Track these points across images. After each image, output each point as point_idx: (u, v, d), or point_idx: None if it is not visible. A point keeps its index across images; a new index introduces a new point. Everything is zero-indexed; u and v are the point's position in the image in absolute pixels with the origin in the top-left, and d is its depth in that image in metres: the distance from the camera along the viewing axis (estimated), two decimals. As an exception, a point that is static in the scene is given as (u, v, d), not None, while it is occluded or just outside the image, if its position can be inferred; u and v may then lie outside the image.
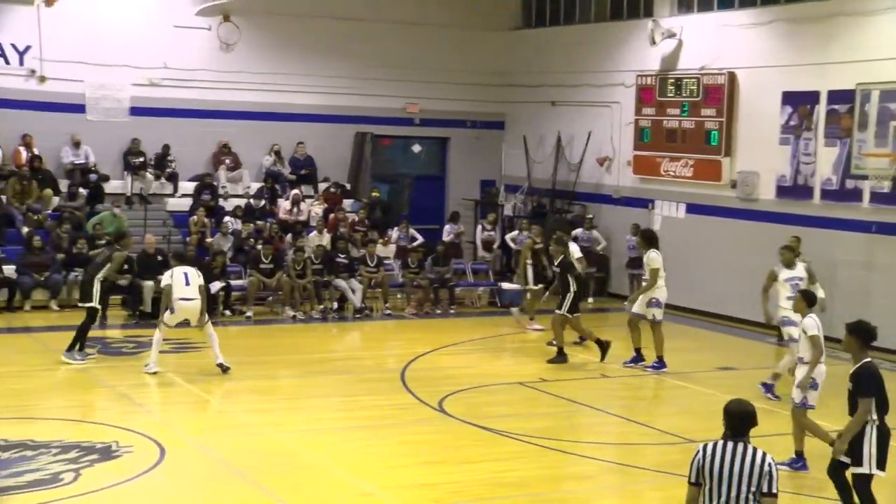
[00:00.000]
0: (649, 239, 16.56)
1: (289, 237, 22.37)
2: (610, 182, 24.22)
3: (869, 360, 9.07)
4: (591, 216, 23.60)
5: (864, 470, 8.98)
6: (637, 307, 16.35)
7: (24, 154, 22.20)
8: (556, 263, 17.00)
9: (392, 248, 22.83)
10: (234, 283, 20.44)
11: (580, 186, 24.64)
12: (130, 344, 17.54)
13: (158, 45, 23.56)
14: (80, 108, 23.11)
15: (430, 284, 21.53)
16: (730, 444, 6.76)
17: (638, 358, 16.43)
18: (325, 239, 21.99)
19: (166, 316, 15.49)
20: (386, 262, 22.04)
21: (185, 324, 15.75)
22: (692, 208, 22.18)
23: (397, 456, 11.99)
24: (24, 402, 13.85)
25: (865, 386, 8.93)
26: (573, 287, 16.56)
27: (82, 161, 22.82)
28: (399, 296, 21.92)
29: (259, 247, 20.90)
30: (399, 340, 18.67)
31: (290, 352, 17.53)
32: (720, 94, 21.27)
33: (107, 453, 11.46)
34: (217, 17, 24.22)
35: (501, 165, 26.72)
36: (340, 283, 20.73)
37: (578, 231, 23.11)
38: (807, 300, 11.64)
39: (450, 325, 20.22)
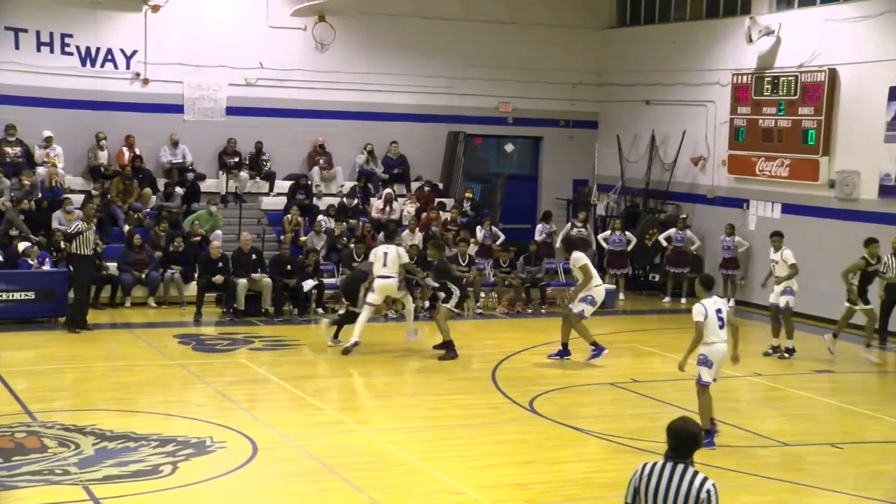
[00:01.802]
0: (568, 245, 17.57)
1: (381, 236, 22.47)
2: (704, 182, 23.90)
3: None
4: (685, 216, 23.31)
5: None
6: (574, 306, 16.60)
7: (126, 154, 22.70)
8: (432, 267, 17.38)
9: (476, 247, 22.80)
10: (327, 281, 20.60)
11: (674, 186, 24.36)
12: (224, 341, 17.79)
13: (254, 46, 23.90)
14: (178, 109, 23.57)
15: (522, 284, 21.45)
16: (669, 466, 6.33)
17: (564, 352, 16.76)
18: (418, 238, 22.05)
19: (369, 296, 16.52)
20: (477, 261, 22.01)
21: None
22: (788, 208, 21.78)
23: (488, 455, 11.96)
24: (126, 396, 14.13)
25: None
26: (456, 292, 16.86)
27: (180, 160, 23.24)
28: (491, 295, 21.89)
29: (352, 246, 21.04)
30: (490, 340, 18.64)
31: (382, 350, 17.60)
32: (819, 91, 20.84)
33: (202, 448, 11.63)
34: (312, 17, 24.46)
35: (594, 165, 26.53)
36: (431, 282, 20.70)
37: (672, 231, 22.87)
38: (703, 284, 12.30)
39: (541, 325, 20.12)
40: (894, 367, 17.66)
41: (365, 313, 16.83)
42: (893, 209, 19.57)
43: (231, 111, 23.94)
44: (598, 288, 16.70)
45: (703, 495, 6.21)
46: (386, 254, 16.89)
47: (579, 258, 16.57)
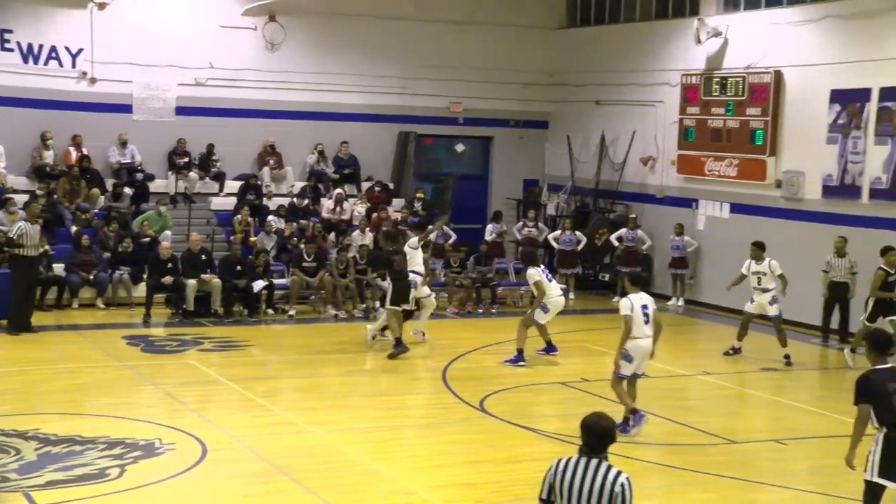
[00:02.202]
0: (523, 260, 18.55)
1: (332, 236, 22.45)
2: (654, 182, 24.09)
3: (874, 368, 8.76)
4: (634, 216, 23.48)
5: (865, 476, 8.74)
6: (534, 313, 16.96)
7: (73, 154, 22.47)
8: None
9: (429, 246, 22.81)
10: (277, 281, 20.54)
11: (624, 186, 24.52)
12: (174, 342, 17.67)
13: (204, 46, 23.74)
14: (127, 109, 23.35)
15: (473, 284, 21.51)
16: (583, 461, 6.38)
17: (550, 348, 17.17)
18: (368, 238, 22.04)
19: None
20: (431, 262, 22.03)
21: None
22: (736, 208, 22.01)
23: (439, 455, 11.99)
24: (72, 399, 14.00)
25: (855, 394, 8.75)
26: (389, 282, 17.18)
27: (128, 161, 23.04)
28: (442, 295, 21.91)
29: (302, 246, 20.99)
30: (441, 340, 18.66)
31: (333, 351, 17.58)
32: (766, 92, 21.09)
33: (150, 450, 11.55)
34: (262, 16, 24.36)
35: (545, 165, 26.66)
36: (383, 282, 20.74)
37: (623, 230, 23.02)
38: (631, 280, 12.96)
39: (492, 325, 20.19)
40: (836, 364, 17.90)
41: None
42: (836, 209, 19.85)
43: (181, 111, 23.76)
44: (555, 299, 16.82)
45: (618, 489, 6.27)
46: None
47: (532, 274, 16.71)
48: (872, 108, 19.22)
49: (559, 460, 6.46)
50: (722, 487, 11.18)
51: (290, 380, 15.88)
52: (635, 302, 12.45)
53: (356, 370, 16.22)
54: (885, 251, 17.28)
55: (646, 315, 12.47)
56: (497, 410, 13.77)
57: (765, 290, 17.15)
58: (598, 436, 6.41)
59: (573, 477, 6.33)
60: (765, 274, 17.12)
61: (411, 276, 17.26)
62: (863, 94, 19.36)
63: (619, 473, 6.31)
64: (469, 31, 25.94)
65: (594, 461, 6.36)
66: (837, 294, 18.82)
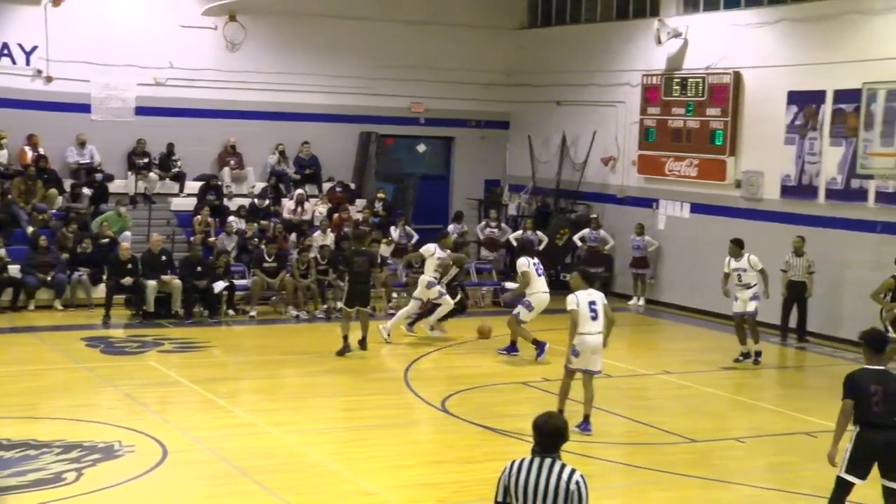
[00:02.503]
0: (520, 247, 18.55)
1: (293, 237, 22.38)
2: (615, 182, 24.20)
3: (864, 367, 9.02)
4: (595, 216, 23.57)
5: (838, 472, 8.94)
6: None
7: (29, 154, 22.24)
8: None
9: (392, 247, 22.81)
10: (237, 282, 20.45)
11: (585, 186, 24.61)
12: (134, 344, 17.54)
13: (164, 45, 23.58)
14: (85, 108, 23.14)
15: (435, 284, 21.47)
16: (536, 461, 6.36)
17: (511, 348, 17.30)
18: (330, 239, 21.99)
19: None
20: (389, 262, 22.03)
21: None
22: (697, 208, 22.15)
23: (401, 456, 11.98)
24: (29, 402, 13.86)
25: (843, 390, 9.01)
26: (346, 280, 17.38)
27: (87, 161, 22.84)
28: (403, 295, 21.89)
29: (263, 246, 20.90)
30: (403, 340, 18.65)
31: (294, 352, 17.52)
32: (725, 93, 21.24)
33: (109, 453, 11.45)
34: (223, 16, 24.24)
35: (506, 165, 26.71)
36: (341, 283, 20.69)
37: (586, 231, 23.10)
38: (581, 277, 13.13)
39: (453, 325, 20.15)
40: (794, 362, 18.05)
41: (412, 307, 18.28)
42: (794, 209, 20.03)
43: (140, 111, 23.59)
44: (539, 295, 16.84)
45: (573, 487, 6.25)
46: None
47: (521, 263, 16.85)
48: (827, 109, 19.42)
49: (513, 462, 6.45)
50: (682, 486, 11.25)
51: (251, 381, 15.81)
52: (581, 298, 12.62)
53: (317, 371, 16.17)
54: None
55: (593, 311, 12.61)
56: (459, 411, 13.78)
57: (747, 287, 17.01)
58: (548, 435, 6.39)
59: (527, 478, 6.32)
60: (745, 270, 16.98)
61: (422, 277, 18.08)
62: (818, 96, 19.56)
63: (573, 472, 6.30)
64: (430, 31, 25.93)
65: (547, 461, 6.35)
66: (796, 293, 19.00)
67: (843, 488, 8.97)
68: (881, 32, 18.61)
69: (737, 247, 17.11)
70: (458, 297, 18.87)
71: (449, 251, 18.37)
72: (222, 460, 11.44)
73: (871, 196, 18.70)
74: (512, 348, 17.21)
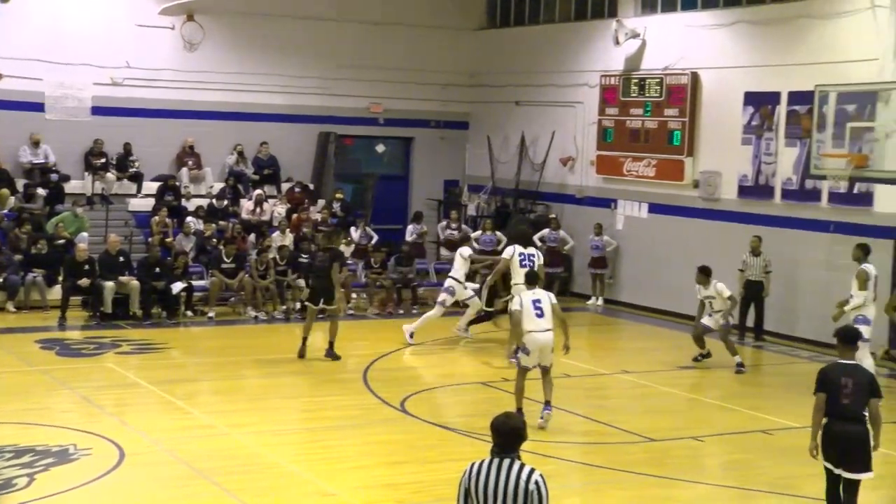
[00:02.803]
0: (517, 236, 17.69)
1: (252, 237, 22.29)
2: (573, 182, 24.29)
3: (836, 361, 9.38)
4: (554, 216, 23.65)
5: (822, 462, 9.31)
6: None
7: (-21, 153, 21.99)
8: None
9: (352, 247, 22.76)
10: (196, 283, 20.34)
11: (544, 186, 24.69)
12: (91, 345, 17.39)
13: (121, 44, 23.39)
14: (39, 107, 22.88)
15: (393, 284, 21.50)
16: (495, 462, 6.33)
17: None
18: (288, 239, 21.92)
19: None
20: (348, 262, 21.98)
21: None
22: (655, 208, 22.28)
23: (360, 456, 11.97)
24: (-19, 406, 13.69)
25: (815, 384, 9.30)
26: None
27: (41, 161, 22.60)
28: (363, 296, 21.89)
29: (221, 247, 20.80)
30: (362, 340, 18.63)
31: (253, 353, 17.45)
32: (683, 94, 21.39)
33: (63, 457, 11.31)
34: (180, 16, 24.09)
35: (465, 165, 26.74)
36: (303, 283, 20.67)
37: (546, 231, 23.16)
38: (526, 280, 13.65)
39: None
40: (751, 361, 18.20)
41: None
42: (751, 209, 20.20)
43: (97, 111, 23.38)
44: (520, 286, 15.98)
45: (532, 487, 6.23)
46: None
47: (507, 251, 16.69)
48: (782, 110, 19.62)
49: (472, 464, 6.44)
50: (640, 485, 11.31)
51: (209, 382, 15.73)
52: (525, 298, 12.95)
53: (276, 372, 16.11)
54: None
55: (538, 309, 12.86)
56: (418, 411, 13.79)
57: (718, 312, 16.85)
58: (506, 435, 6.39)
59: (486, 479, 6.30)
60: (713, 298, 16.76)
61: (448, 281, 18.17)
62: (773, 97, 19.75)
63: (532, 472, 6.30)
64: (389, 31, 25.92)
65: (506, 461, 6.34)
66: (753, 292, 19.16)
67: (831, 479, 9.29)
68: (832, 36, 18.83)
69: (703, 275, 16.84)
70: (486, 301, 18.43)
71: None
72: (181, 462, 11.38)
73: (825, 196, 18.91)
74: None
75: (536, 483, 6.26)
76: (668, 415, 14.44)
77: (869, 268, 15.55)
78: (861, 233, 17.87)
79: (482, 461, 6.41)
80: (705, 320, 16.97)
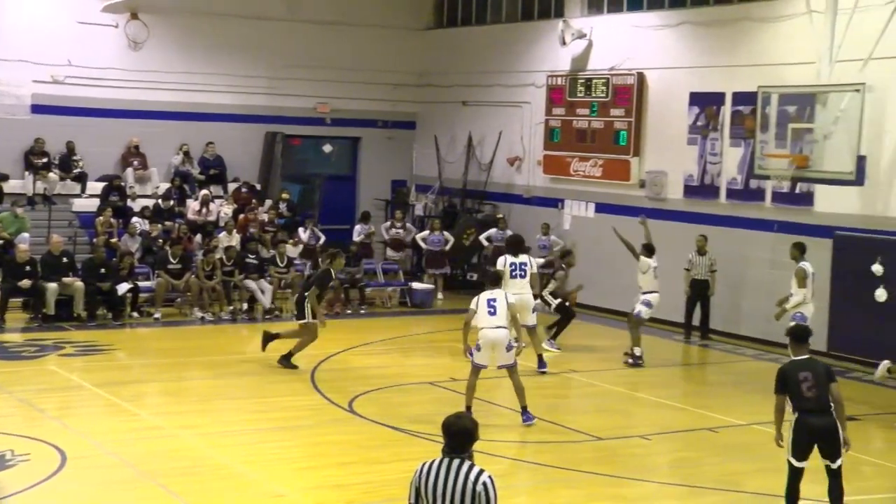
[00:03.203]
0: (511, 243, 17.12)
1: (198, 238, 22.11)
2: (521, 182, 24.36)
3: (792, 359, 9.70)
4: (501, 216, 23.70)
5: (785, 456, 9.62)
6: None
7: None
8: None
9: (300, 248, 22.67)
10: (142, 284, 20.14)
11: (491, 186, 24.74)
12: (32, 348, 17.13)
13: (62, 41, 23.06)
14: (-28, 104, 22.51)
15: (341, 284, 21.41)
16: (445, 462, 6.34)
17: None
18: (235, 239, 21.76)
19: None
20: (296, 262, 21.91)
21: None
22: (601, 207, 22.40)
23: (308, 457, 11.93)
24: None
25: (775, 385, 9.76)
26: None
27: (-21, 160, 22.24)
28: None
29: (167, 248, 20.61)
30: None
31: (200, 353, 17.33)
32: (629, 94, 21.53)
33: None
34: (124, 14, 23.82)
35: (413, 165, 26.73)
36: (250, 283, 20.55)
37: (493, 231, 23.20)
38: (488, 279, 13.91)
39: (360, 326, 20.17)
40: (697, 359, 18.36)
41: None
42: (697, 209, 20.38)
43: (38, 109, 23.02)
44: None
45: (479, 488, 6.24)
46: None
47: (498, 261, 16.38)
48: (727, 111, 19.81)
49: (423, 463, 6.44)
50: (589, 483, 11.37)
51: (156, 383, 15.57)
52: (481, 297, 13.24)
53: (224, 373, 15.99)
54: None
55: (492, 307, 13.09)
56: (366, 411, 13.75)
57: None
58: (456, 436, 6.39)
59: (436, 479, 6.31)
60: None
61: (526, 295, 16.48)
62: (718, 98, 19.94)
63: (481, 472, 6.30)
64: (336, 31, 25.83)
65: (456, 462, 6.34)
66: (698, 291, 19.33)
67: (793, 472, 9.57)
68: (773, 39, 19.04)
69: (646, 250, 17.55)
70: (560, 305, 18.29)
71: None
72: (126, 465, 11.26)
73: (769, 196, 19.12)
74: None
75: (484, 485, 6.26)
76: (616, 413, 14.53)
77: (806, 266, 15.75)
78: (802, 232, 18.13)
79: (433, 461, 6.40)
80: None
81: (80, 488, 10.63)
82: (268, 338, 16.45)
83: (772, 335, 17.85)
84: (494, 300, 13.17)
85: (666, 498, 11.13)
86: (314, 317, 16.01)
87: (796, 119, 17.21)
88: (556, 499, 11.02)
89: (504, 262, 16.16)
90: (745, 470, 11.72)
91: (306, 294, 16.05)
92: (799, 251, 16.04)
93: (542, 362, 16.39)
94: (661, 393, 15.79)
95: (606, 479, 11.55)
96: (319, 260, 18.50)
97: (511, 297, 13.55)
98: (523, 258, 16.33)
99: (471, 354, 13.25)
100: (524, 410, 13.32)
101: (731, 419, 13.96)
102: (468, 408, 12.87)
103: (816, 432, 9.41)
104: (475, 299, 13.30)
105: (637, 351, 17.15)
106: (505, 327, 13.11)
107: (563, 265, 18.60)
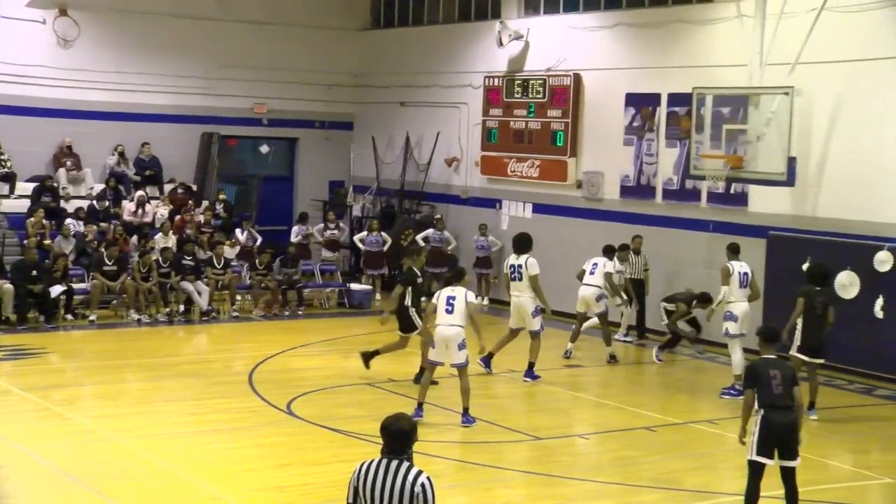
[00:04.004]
0: (520, 242, 16.46)
1: (134, 239, 21.86)
2: (458, 182, 24.41)
3: (762, 357, 9.90)
4: (439, 216, 23.72)
5: (748, 456, 9.73)
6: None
7: None
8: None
9: (237, 249, 22.51)
10: (76, 286, 19.87)
11: (429, 187, 24.75)
12: (-35, 351, 16.84)
13: (-16, 37, 22.64)
14: None
15: (279, 286, 21.32)
16: (384, 462, 6.36)
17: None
18: (172, 241, 21.56)
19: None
20: (233, 263, 21.76)
21: None
22: (539, 208, 22.51)
23: (247, 459, 11.84)
24: None
25: (744, 381, 10.05)
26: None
27: None
28: (247, 298, 21.63)
29: (103, 249, 20.35)
30: (247, 343, 18.44)
31: (137, 356, 17.14)
32: (566, 95, 21.65)
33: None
34: (51, 10, 23.43)
35: (350, 166, 26.65)
36: (187, 285, 20.37)
37: (430, 231, 23.22)
38: (453, 276, 13.94)
39: (298, 327, 20.08)
40: (635, 360, 18.51)
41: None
42: (633, 209, 20.55)
43: (-40, 107, 22.61)
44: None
45: (418, 489, 6.26)
46: (595, 265, 17.51)
47: (533, 265, 15.91)
48: (662, 112, 20.01)
49: (362, 463, 6.45)
50: (527, 483, 11.42)
51: (90, 387, 15.37)
52: (442, 293, 13.43)
53: (161, 375, 15.83)
54: None
55: (450, 305, 13.22)
56: (305, 413, 13.70)
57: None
58: (394, 437, 6.41)
59: (374, 479, 6.32)
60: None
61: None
62: (653, 99, 20.14)
63: (419, 473, 6.31)
64: (272, 31, 25.69)
65: (395, 462, 6.36)
66: (634, 291, 19.48)
67: (756, 472, 9.70)
68: (706, 41, 19.28)
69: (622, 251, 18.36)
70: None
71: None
72: (58, 471, 11.09)
73: (704, 196, 19.34)
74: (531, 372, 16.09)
75: (422, 486, 6.28)
76: (555, 413, 14.61)
77: (732, 265, 15.87)
78: (737, 232, 18.38)
79: (371, 461, 6.42)
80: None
81: (8, 496, 10.42)
82: (368, 356, 15.72)
83: (707, 334, 18.04)
84: (453, 298, 13.26)
85: (604, 497, 11.21)
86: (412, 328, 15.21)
87: (730, 120, 17.44)
88: (494, 499, 11.06)
89: (505, 264, 15.82)
90: (683, 468, 11.85)
91: (406, 304, 15.13)
92: (730, 251, 16.23)
93: (530, 370, 15.98)
94: (599, 392, 15.93)
95: (545, 478, 11.61)
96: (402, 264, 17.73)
97: (471, 295, 13.48)
98: (522, 259, 15.91)
99: (433, 346, 13.28)
100: (465, 412, 13.34)
101: (669, 418, 14.11)
102: (420, 405, 13.12)
103: (782, 429, 9.60)
104: (437, 293, 13.52)
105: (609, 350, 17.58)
106: (460, 326, 13.13)
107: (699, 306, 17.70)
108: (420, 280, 15.51)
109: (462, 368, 13.33)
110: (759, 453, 9.63)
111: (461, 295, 13.29)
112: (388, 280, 24.05)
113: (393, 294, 15.35)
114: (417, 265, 15.70)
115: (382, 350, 15.75)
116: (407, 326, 15.20)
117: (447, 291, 13.41)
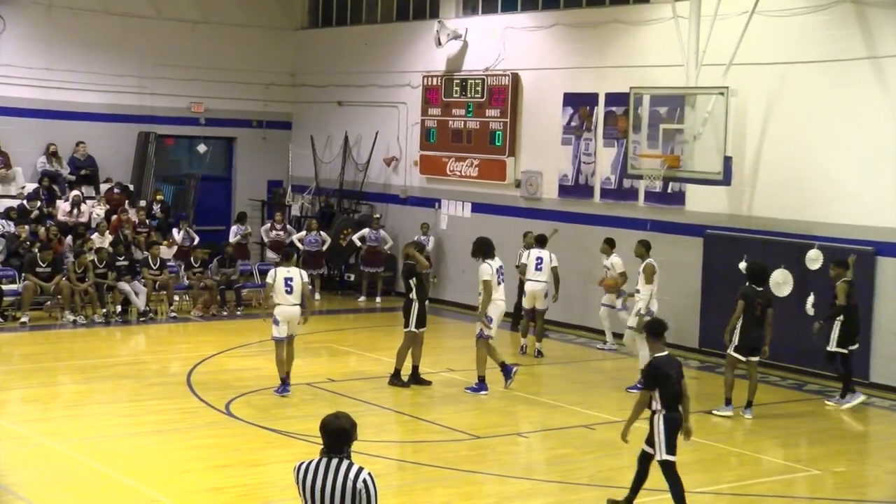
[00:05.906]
0: (480, 247, 15.73)
1: (69, 240, 21.56)
2: (397, 182, 24.40)
3: (657, 356, 9.90)
4: (378, 216, 23.70)
5: (658, 457, 9.84)
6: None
7: None
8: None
9: (174, 249, 22.31)
10: (6, 287, 19.56)
11: (368, 186, 24.71)
12: None
13: None
14: None
15: (217, 286, 21.16)
16: (324, 461, 6.37)
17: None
18: (107, 241, 21.30)
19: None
20: (169, 263, 21.55)
21: None
22: (478, 207, 22.57)
23: (185, 461, 11.74)
24: None
25: (645, 381, 10.07)
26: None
27: None
28: (185, 298, 21.45)
29: (36, 250, 20.04)
30: (185, 343, 18.28)
31: (72, 358, 16.92)
32: (504, 94, 21.73)
33: None
34: (-26, 4, 23.05)
35: (289, 166, 26.53)
36: (124, 286, 20.14)
37: (366, 231, 23.18)
38: (284, 256, 15.15)
39: (236, 327, 19.94)
40: (564, 358, 18.57)
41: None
42: (572, 208, 20.68)
43: None
44: (498, 303, 15.37)
45: (360, 486, 6.28)
46: (540, 258, 17.87)
47: (483, 272, 15.17)
48: (600, 111, 20.17)
49: (300, 464, 6.45)
50: (466, 482, 11.44)
51: (20, 390, 15.12)
52: (278, 273, 14.52)
53: (96, 377, 15.64)
54: None
55: (288, 287, 14.39)
56: (243, 413, 13.62)
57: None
58: (334, 435, 6.40)
59: (315, 478, 6.32)
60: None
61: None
62: (591, 99, 20.29)
63: (360, 470, 6.33)
64: (208, 30, 25.50)
65: (335, 461, 6.36)
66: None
67: (671, 469, 9.82)
68: (643, 42, 19.46)
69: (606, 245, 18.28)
70: None
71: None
72: (-9, 475, 10.91)
73: (641, 195, 19.52)
74: (507, 368, 15.48)
75: (364, 482, 6.29)
76: (492, 412, 14.64)
77: (655, 262, 16.02)
78: (675, 231, 18.58)
79: (311, 461, 6.41)
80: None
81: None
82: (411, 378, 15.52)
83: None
84: (291, 279, 14.43)
85: (542, 495, 11.26)
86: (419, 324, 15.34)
87: (667, 120, 17.61)
88: (433, 498, 11.06)
89: (491, 271, 15.15)
90: (620, 466, 11.92)
91: (412, 298, 15.34)
92: (645, 248, 16.33)
93: (507, 369, 15.46)
94: (537, 391, 15.99)
95: (483, 477, 11.65)
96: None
97: (305, 275, 14.91)
98: (500, 263, 15.55)
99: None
100: (283, 381, 14.58)
101: (605, 416, 14.21)
102: (283, 379, 14.55)
103: (679, 426, 9.83)
104: (272, 272, 14.65)
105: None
106: (299, 305, 14.45)
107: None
108: (420, 271, 15.69)
109: (291, 339, 14.61)
110: (669, 452, 9.76)
111: (297, 275, 14.47)
112: (327, 279, 24.04)
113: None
114: (415, 262, 15.60)
115: (415, 360, 15.52)
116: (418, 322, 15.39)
117: (283, 272, 14.45)
